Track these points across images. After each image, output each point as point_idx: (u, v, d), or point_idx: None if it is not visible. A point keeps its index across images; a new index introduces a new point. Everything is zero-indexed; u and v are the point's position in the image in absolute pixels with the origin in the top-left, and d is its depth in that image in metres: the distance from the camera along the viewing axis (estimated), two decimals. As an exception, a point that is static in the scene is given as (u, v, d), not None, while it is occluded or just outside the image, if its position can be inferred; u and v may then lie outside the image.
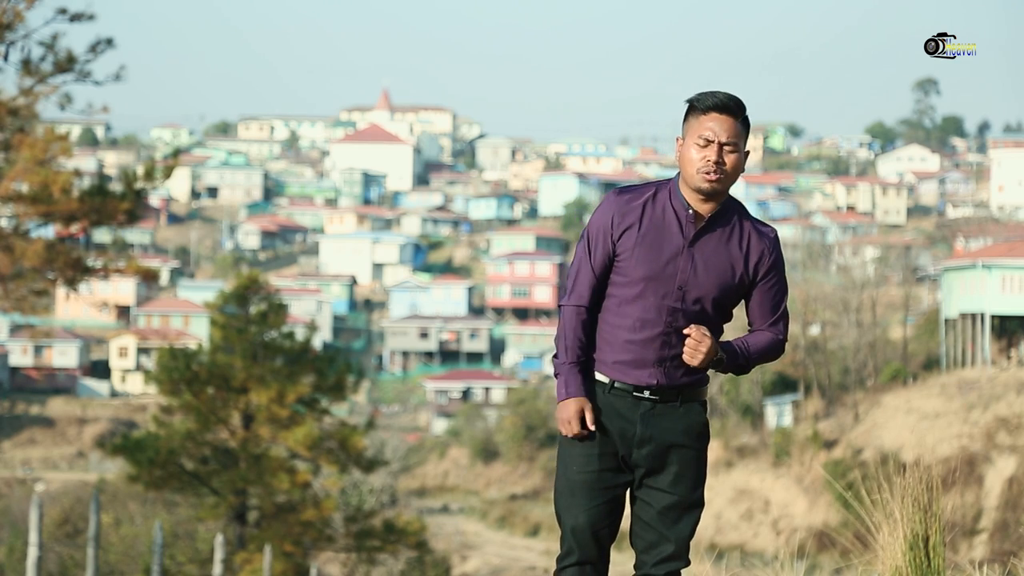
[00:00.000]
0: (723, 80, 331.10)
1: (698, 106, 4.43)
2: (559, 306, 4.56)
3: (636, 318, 4.42)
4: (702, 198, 4.43)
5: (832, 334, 66.99)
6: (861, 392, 62.30)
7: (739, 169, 4.41)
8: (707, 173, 4.38)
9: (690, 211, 4.44)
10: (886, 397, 59.29)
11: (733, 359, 4.47)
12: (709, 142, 4.39)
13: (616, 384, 4.46)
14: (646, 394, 4.45)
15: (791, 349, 66.74)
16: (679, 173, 4.49)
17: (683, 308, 4.41)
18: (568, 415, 4.44)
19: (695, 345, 4.37)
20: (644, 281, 4.41)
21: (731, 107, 4.41)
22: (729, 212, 4.48)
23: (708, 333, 4.39)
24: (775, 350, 4.55)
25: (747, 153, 4.47)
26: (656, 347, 4.43)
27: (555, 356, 4.54)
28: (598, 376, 4.49)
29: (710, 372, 4.58)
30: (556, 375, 4.51)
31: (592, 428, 4.43)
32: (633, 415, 4.46)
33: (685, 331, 4.39)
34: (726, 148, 4.39)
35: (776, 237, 4.53)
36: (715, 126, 4.40)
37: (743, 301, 4.57)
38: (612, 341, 4.46)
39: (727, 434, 62.35)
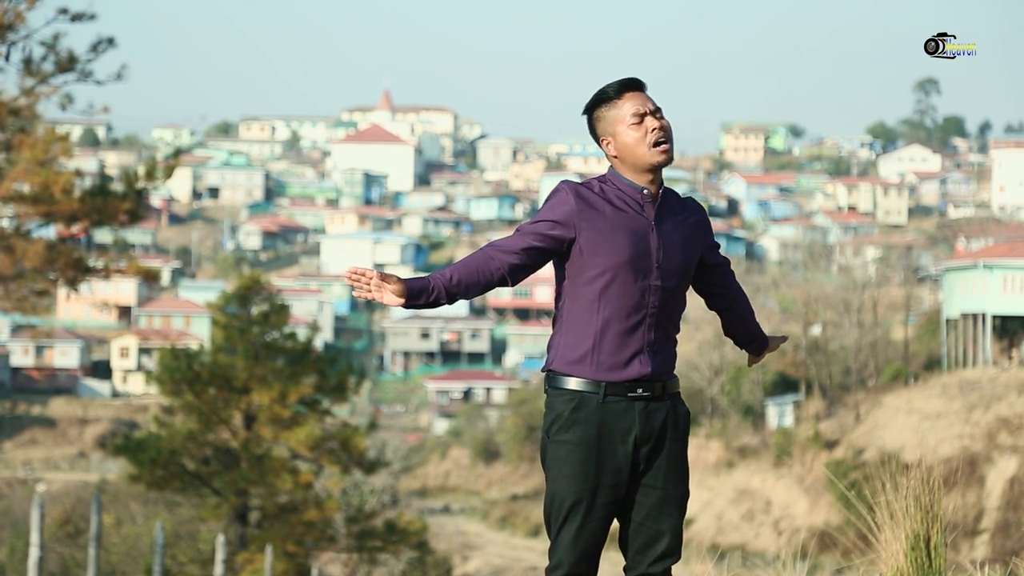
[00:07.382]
0: (723, 79, 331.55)
1: (607, 97, 4.42)
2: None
3: (621, 306, 4.39)
4: (651, 177, 4.43)
5: (833, 334, 66.94)
6: (862, 392, 62.25)
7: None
8: (660, 143, 4.39)
9: (644, 191, 4.43)
10: (887, 397, 59.26)
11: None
12: (642, 115, 4.40)
13: (609, 392, 4.40)
14: (639, 391, 4.42)
15: (792, 349, 66.76)
16: (611, 168, 4.47)
17: (662, 285, 4.42)
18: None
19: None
20: (618, 267, 4.37)
21: (639, 82, 4.46)
22: (667, 189, 4.52)
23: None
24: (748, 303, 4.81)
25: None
26: (644, 331, 4.42)
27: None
28: (580, 386, 4.41)
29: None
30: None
31: (368, 279, 4.21)
32: (631, 417, 4.42)
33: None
34: (658, 115, 4.42)
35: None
36: (637, 101, 4.41)
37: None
38: (600, 337, 4.40)
39: (728, 434, 62.32)
